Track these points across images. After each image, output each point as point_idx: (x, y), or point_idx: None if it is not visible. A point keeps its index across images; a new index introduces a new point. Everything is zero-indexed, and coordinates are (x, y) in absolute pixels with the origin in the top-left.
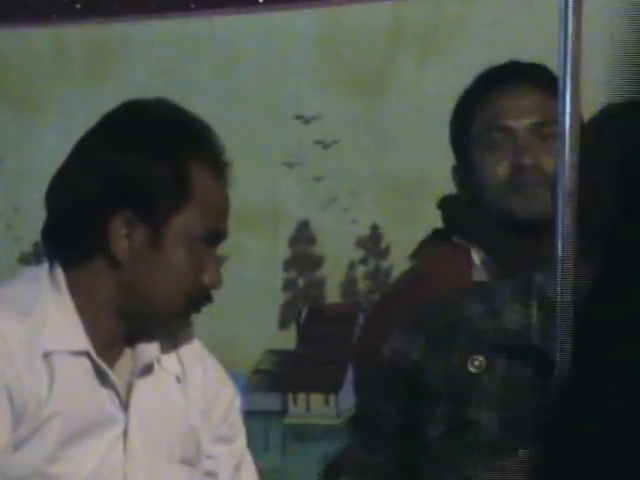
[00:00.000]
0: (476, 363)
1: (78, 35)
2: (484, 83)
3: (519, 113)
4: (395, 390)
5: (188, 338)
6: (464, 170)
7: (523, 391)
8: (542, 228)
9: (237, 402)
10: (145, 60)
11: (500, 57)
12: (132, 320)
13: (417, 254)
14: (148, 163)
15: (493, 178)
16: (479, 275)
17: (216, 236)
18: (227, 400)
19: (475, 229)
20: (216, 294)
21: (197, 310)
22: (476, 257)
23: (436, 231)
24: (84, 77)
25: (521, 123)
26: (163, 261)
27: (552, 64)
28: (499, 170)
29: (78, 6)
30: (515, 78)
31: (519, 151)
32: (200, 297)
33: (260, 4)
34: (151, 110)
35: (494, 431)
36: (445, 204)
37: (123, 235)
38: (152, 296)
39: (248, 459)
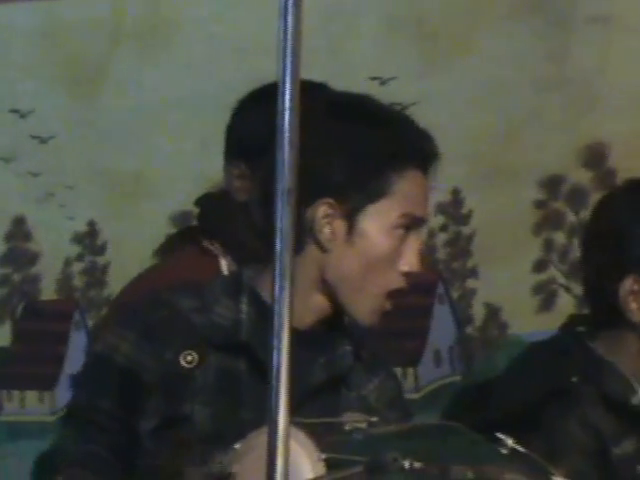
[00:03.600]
0: (188, 358)
1: None
2: None
3: None
4: (109, 383)
5: None
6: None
7: (236, 386)
8: None
9: None
10: None
11: (219, 53)
12: None
13: (161, 252)
14: None
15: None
16: None
17: None
18: None
19: (234, 238)
20: None
21: None
22: (225, 268)
23: (187, 229)
24: None
25: None
26: None
27: (272, 60)
28: None
29: None
30: None
31: None
32: None
33: None
34: None
35: (208, 426)
36: (204, 203)
37: None
38: None
39: None
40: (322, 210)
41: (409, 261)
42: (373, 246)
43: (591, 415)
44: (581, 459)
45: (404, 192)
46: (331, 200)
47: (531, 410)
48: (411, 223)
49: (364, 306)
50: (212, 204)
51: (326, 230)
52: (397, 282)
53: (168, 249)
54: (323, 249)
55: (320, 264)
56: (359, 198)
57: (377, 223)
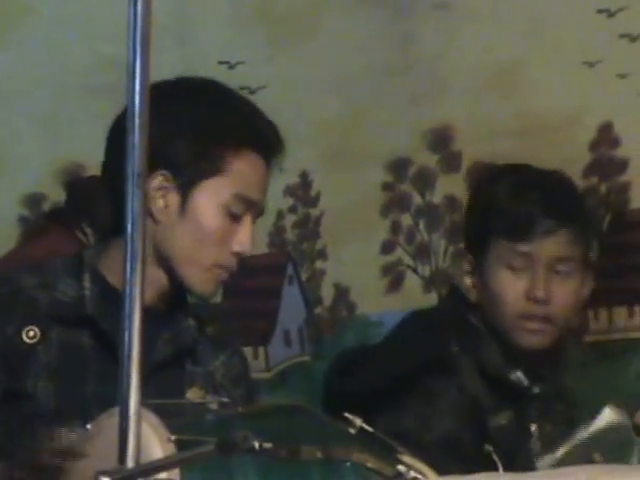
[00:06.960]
0: (30, 333)
1: None
2: None
3: None
4: None
5: None
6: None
7: (81, 361)
8: None
9: None
10: None
11: (69, 37)
12: None
13: (28, 235)
14: None
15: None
16: None
17: None
18: None
19: (101, 222)
20: None
21: None
22: None
23: (54, 214)
24: None
25: None
26: None
27: (122, 44)
28: None
29: None
30: None
31: None
32: None
33: None
34: None
35: (51, 401)
36: (73, 189)
37: None
38: None
39: None
40: (157, 182)
41: (241, 241)
42: (204, 221)
43: (469, 385)
44: (458, 426)
45: (238, 172)
46: (166, 173)
47: (411, 377)
48: (244, 204)
49: (196, 277)
50: (80, 190)
51: (160, 202)
52: (227, 260)
53: (35, 233)
54: (155, 220)
55: (154, 235)
56: (194, 173)
57: (209, 199)
